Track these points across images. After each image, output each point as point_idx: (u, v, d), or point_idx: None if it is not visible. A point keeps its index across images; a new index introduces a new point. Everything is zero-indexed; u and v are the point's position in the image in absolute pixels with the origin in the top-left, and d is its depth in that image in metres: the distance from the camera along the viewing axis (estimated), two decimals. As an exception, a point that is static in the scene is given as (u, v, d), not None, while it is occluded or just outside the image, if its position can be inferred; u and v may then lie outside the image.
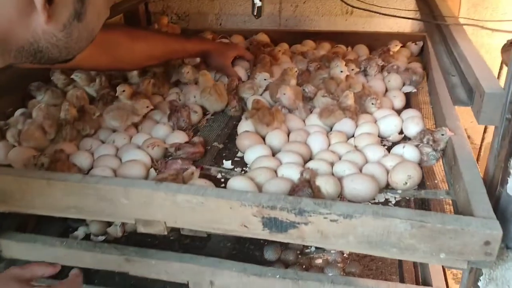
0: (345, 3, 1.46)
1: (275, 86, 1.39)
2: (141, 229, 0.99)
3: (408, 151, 1.12)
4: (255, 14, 1.43)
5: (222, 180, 1.12)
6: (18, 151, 1.19)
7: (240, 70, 1.61)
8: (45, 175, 1.00)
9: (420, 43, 1.85)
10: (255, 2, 1.10)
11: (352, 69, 1.51)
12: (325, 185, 0.99)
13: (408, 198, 1.03)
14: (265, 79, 1.43)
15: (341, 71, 1.42)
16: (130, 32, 1.44)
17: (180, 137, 1.24)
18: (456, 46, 1.23)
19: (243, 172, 1.16)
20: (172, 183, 0.97)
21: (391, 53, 1.70)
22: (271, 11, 2.25)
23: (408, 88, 1.53)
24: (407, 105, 1.45)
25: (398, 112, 1.35)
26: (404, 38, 1.90)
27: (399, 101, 1.42)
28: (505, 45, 1.57)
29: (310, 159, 1.18)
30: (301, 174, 1.03)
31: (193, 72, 1.58)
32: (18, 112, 1.38)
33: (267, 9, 2.26)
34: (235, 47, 1.71)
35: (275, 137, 1.23)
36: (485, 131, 1.90)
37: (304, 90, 1.38)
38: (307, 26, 2.24)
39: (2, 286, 0.81)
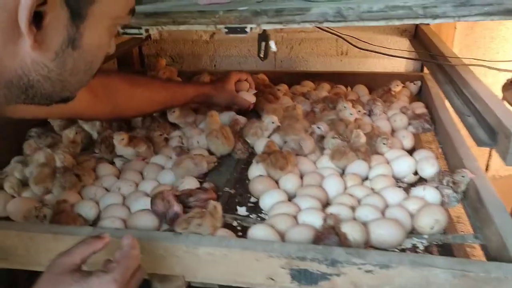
0: (350, 43, 1.46)
1: (288, 126, 1.35)
2: (157, 286, 0.92)
3: (429, 194, 1.09)
4: (261, 56, 1.42)
5: (239, 228, 1.06)
6: (17, 203, 1.11)
7: (247, 95, 1.59)
8: (51, 229, 0.93)
9: (418, 83, 1.86)
10: (271, 47, 1.07)
11: (359, 111, 1.50)
12: (352, 231, 0.95)
13: (436, 243, 0.99)
14: (272, 122, 1.40)
15: (351, 114, 1.40)
16: (128, 78, 1.39)
17: (191, 183, 1.18)
18: (467, 86, 1.23)
19: (258, 218, 1.11)
20: (192, 235, 0.91)
21: (392, 93, 1.70)
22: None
23: (412, 128, 1.52)
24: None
25: (408, 152, 1.33)
26: (401, 78, 1.90)
27: (408, 141, 1.40)
28: (505, 84, 1.59)
29: (327, 203, 1.14)
30: (325, 220, 0.98)
31: (181, 113, 1.53)
32: (14, 159, 1.31)
33: (262, 51, 2.27)
34: (228, 76, 1.61)
35: (289, 181, 1.19)
36: (487, 169, 1.90)
37: (319, 128, 1.35)
38: (303, 67, 2.25)
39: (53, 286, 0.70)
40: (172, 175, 1.25)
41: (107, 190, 1.21)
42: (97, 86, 1.21)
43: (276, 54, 2.27)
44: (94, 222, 1.10)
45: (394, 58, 2.15)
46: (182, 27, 0.90)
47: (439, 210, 1.01)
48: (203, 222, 0.94)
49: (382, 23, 0.84)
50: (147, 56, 2.39)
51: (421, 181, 1.22)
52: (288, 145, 1.33)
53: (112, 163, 1.36)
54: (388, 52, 1.89)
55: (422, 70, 2.13)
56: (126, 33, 0.93)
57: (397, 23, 0.84)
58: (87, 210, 1.10)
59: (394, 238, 0.96)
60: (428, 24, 1.86)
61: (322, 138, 1.37)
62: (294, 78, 2.01)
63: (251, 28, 0.88)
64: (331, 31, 1.41)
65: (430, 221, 0.99)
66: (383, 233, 0.96)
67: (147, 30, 0.92)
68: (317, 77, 1.99)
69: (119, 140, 1.33)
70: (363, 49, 1.49)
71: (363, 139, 1.29)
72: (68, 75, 0.66)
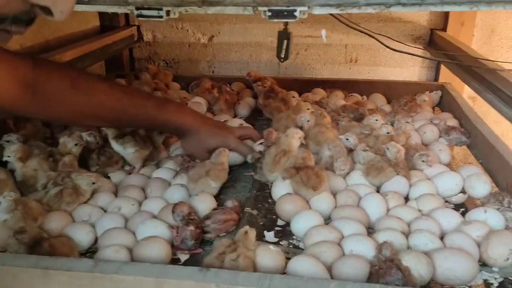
0: (383, 44, 1.30)
1: (319, 133, 1.18)
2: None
3: (492, 217, 0.93)
4: (282, 56, 1.25)
5: (270, 258, 0.87)
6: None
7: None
8: (41, 263, 0.72)
9: (439, 93, 1.72)
10: (323, 36, 0.91)
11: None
12: (416, 266, 0.77)
13: (511, 278, 0.82)
14: (308, 121, 1.23)
15: (388, 133, 1.23)
16: (74, 79, 1.06)
17: (206, 201, 0.99)
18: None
19: (291, 246, 0.93)
20: (223, 271, 0.71)
21: (417, 102, 1.55)
22: (270, 58, 2.10)
23: (444, 141, 1.37)
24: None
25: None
26: (419, 88, 1.76)
27: (446, 155, 1.25)
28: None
29: (369, 227, 0.97)
30: (379, 251, 0.81)
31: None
32: None
33: (265, 56, 2.11)
34: (226, 137, 1.21)
35: (323, 201, 1.01)
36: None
37: (347, 139, 1.18)
38: (308, 74, 2.10)
39: None
40: (182, 191, 1.05)
41: (104, 210, 1.00)
42: (28, 79, 0.97)
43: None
44: (89, 251, 0.91)
45: (406, 67, 2.04)
46: (211, 10, 0.73)
47: (513, 238, 0.84)
48: (239, 255, 0.75)
49: (465, 8, 0.68)
50: (138, 60, 2.20)
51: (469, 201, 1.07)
52: (322, 155, 1.14)
53: (108, 177, 1.16)
54: (405, 58, 1.75)
55: (436, 79, 2.01)
56: (142, 15, 0.74)
57: (483, 8, 0.68)
58: (82, 236, 0.89)
59: (467, 273, 0.79)
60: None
61: (350, 151, 1.20)
62: (303, 85, 1.85)
63: (300, 12, 0.71)
64: (360, 28, 1.25)
65: (505, 252, 0.83)
66: (454, 267, 0.78)
67: (168, 13, 0.74)
68: (328, 85, 1.83)
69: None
70: (397, 51, 1.33)
71: (401, 153, 1.13)
72: None
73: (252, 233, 0.81)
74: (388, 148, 1.13)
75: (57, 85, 1.03)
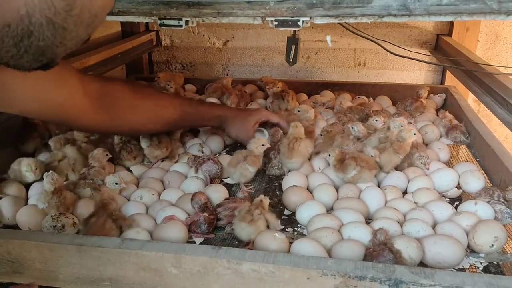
0: (388, 50, 1.39)
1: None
2: (192, 307, 0.82)
3: (482, 209, 1.00)
4: (290, 60, 1.35)
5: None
6: (28, 211, 1.01)
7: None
8: (76, 240, 0.83)
9: (443, 95, 1.80)
10: (328, 42, 1.00)
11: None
12: (407, 249, 0.86)
13: (496, 263, 0.90)
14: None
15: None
16: (133, 88, 1.21)
17: (219, 190, 1.09)
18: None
19: (295, 233, 1.02)
20: (233, 248, 0.81)
21: (421, 101, 1.62)
22: (281, 62, 2.19)
23: (446, 141, 1.44)
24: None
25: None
26: (425, 91, 1.84)
27: (445, 154, 1.33)
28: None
29: (368, 217, 1.05)
30: (374, 235, 0.89)
31: None
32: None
33: (277, 60, 2.21)
34: (258, 112, 1.41)
35: (325, 192, 1.10)
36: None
37: (353, 128, 1.28)
38: (319, 78, 2.19)
39: None
40: (197, 183, 1.15)
41: (127, 199, 1.11)
42: (95, 92, 1.08)
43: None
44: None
45: (413, 70, 2.11)
46: (225, 20, 0.82)
47: (498, 227, 0.92)
48: (261, 211, 0.93)
49: (450, 18, 0.77)
50: (157, 63, 2.31)
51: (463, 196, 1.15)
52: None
53: (129, 170, 1.27)
54: (411, 63, 1.83)
55: (442, 83, 2.08)
56: (164, 25, 0.84)
57: (466, 19, 0.77)
58: (109, 220, 1.00)
59: (453, 257, 0.87)
60: (501, 20, 1.80)
61: (358, 139, 1.30)
62: (312, 88, 1.94)
63: (303, 22, 0.80)
64: (363, 35, 1.34)
65: (490, 239, 0.90)
66: (442, 251, 0.87)
67: (187, 22, 0.84)
68: (337, 88, 1.92)
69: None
70: (399, 56, 1.42)
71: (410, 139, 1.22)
72: (71, 24, 0.57)
73: (266, 200, 0.96)
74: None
75: (121, 94, 1.16)
